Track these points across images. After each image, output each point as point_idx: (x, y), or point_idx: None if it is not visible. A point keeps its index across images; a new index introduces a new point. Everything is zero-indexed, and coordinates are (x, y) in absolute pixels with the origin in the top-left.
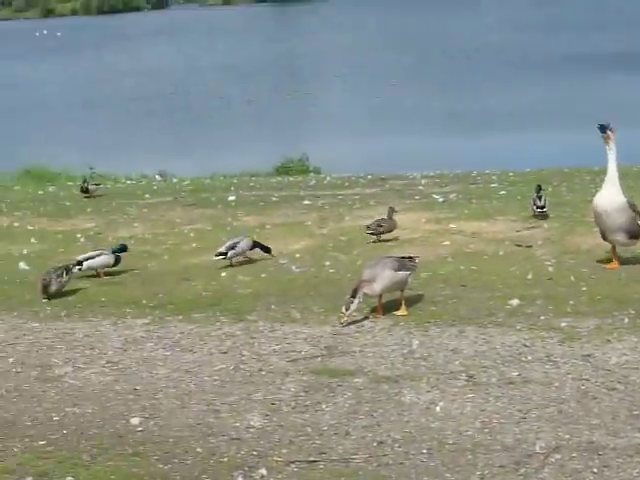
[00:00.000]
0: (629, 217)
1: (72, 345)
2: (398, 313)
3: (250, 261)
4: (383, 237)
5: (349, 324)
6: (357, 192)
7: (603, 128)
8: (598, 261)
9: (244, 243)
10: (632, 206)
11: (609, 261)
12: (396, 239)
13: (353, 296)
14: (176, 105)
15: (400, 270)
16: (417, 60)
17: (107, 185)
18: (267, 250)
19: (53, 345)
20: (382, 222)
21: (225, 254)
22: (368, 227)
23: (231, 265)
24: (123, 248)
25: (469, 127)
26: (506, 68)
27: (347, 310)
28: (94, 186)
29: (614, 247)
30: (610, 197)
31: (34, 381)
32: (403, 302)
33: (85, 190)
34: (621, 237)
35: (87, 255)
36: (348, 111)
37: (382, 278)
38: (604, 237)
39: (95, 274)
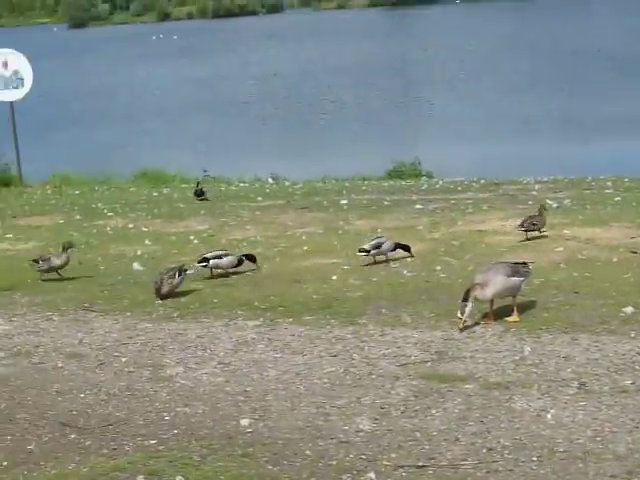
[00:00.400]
0: None
1: (184, 346)
2: (510, 319)
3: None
4: (531, 235)
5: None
6: (470, 197)
7: None
8: None
9: (388, 244)
10: None
11: None
12: (510, 245)
13: (465, 299)
14: (289, 109)
15: (513, 276)
16: (532, 64)
17: (221, 187)
18: (408, 249)
19: (165, 345)
20: (535, 220)
21: (368, 251)
22: (522, 225)
23: (374, 262)
24: (250, 257)
25: (584, 132)
26: (621, 72)
27: (462, 314)
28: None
29: None
30: None
31: (146, 381)
32: (515, 308)
33: (200, 193)
34: None
35: (214, 254)
36: (461, 115)
37: (494, 283)
38: None
39: (210, 275)
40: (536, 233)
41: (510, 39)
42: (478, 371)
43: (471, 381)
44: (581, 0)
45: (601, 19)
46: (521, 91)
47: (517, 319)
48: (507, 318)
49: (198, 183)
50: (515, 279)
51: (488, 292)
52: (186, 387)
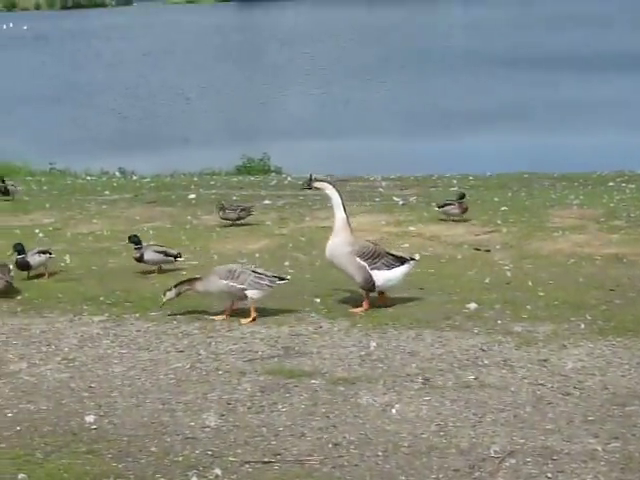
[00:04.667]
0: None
1: (28, 341)
2: (244, 320)
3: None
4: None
5: (306, 325)
6: (317, 193)
7: (308, 184)
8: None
9: None
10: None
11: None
12: None
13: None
14: (138, 101)
15: (226, 280)
16: (379, 60)
17: (67, 181)
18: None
19: (8, 341)
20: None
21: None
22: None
23: None
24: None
25: (430, 129)
26: (471, 68)
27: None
28: (13, 187)
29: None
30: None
31: None
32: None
33: (4, 191)
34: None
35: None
36: (310, 111)
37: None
38: None
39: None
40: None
41: (359, 35)
42: (324, 366)
43: (317, 376)
44: None
45: (449, 15)
46: (369, 87)
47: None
48: (243, 320)
49: (2, 179)
50: (225, 283)
51: (199, 285)
52: (30, 383)
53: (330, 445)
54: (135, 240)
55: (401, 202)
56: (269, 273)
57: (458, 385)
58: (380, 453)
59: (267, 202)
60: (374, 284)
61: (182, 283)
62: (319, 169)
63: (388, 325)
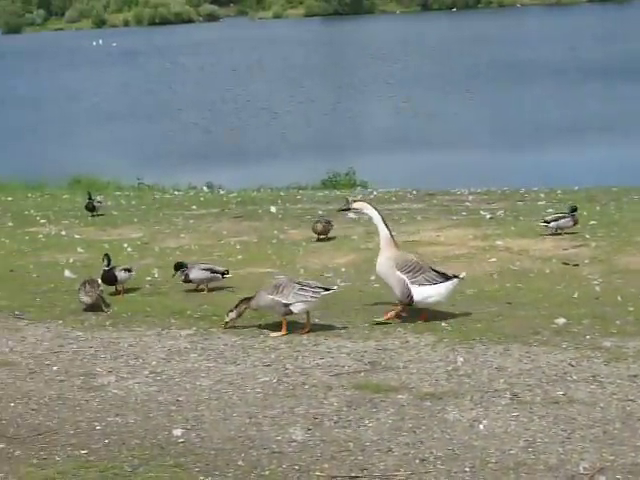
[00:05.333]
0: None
1: (116, 354)
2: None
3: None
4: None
5: (392, 339)
6: (404, 207)
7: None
8: None
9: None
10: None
11: None
12: (443, 255)
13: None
14: (226, 117)
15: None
16: (466, 73)
17: (155, 195)
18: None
19: (97, 354)
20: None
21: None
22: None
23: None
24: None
25: (517, 141)
26: (559, 79)
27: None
28: (99, 203)
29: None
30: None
31: (77, 390)
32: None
33: (91, 208)
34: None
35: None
36: (397, 125)
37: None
38: None
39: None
40: None
41: (445, 47)
42: (411, 381)
43: (404, 391)
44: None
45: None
46: (456, 101)
47: (282, 333)
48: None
49: (90, 196)
50: (271, 298)
51: (253, 302)
52: (118, 396)
53: (417, 460)
54: (179, 265)
55: (488, 216)
56: (314, 284)
57: (546, 401)
58: (467, 469)
59: (353, 216)
60: (412, 298)
61: (241, 302)
62: (405, 183)
63: (475, 340)
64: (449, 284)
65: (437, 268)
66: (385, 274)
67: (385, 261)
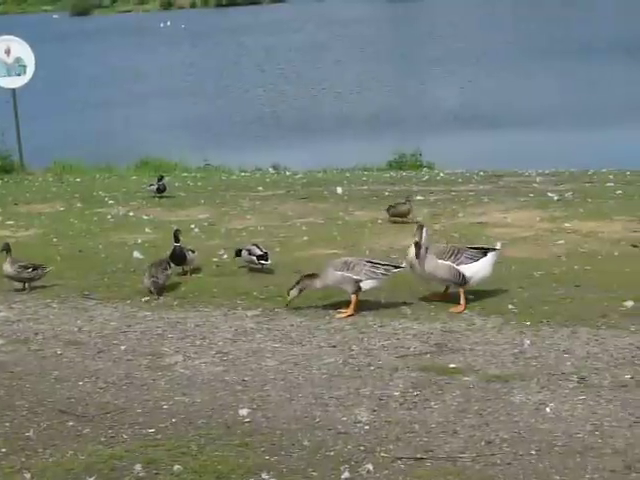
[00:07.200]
0: None
1: (183, 334)
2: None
3: None
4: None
5: (459, 321)
6: (471, 188)
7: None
8: None
9: None
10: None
11: None
12: (510, 237)
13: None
14: (292, 98)
15: (341, 271)
16: (537, 54)
17: (222, 177)
18: None
19: (164, 334)
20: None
21: None
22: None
23: None
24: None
25: (586, 123)
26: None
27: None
28: (151, 186)
29: None
30: None
31: (145, 369)
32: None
33: (163, 188)
34: None
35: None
36: (463, 105)
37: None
38: None
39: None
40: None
41: (515, 25)
42: (477, 364)
43: (470, 374)
44: None
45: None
46: (524, 81)
47: (349, 313)
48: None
49: (161, 177)
50: (340, 274)
51: (318, 281)
52: (185, 376)
53: (482, 443)
54: (239, 252)
55: (556, 198)
56: (384, 262)
57: (614, 384)
58: (533, 452)
59: (419, 198)
60: (465, 278)
61: (302, 279)
62: (472, 164)
63: (542, 322)
64: (490, 256)
65: (473, 246)
66: (434, 268)
67: (428, 261)
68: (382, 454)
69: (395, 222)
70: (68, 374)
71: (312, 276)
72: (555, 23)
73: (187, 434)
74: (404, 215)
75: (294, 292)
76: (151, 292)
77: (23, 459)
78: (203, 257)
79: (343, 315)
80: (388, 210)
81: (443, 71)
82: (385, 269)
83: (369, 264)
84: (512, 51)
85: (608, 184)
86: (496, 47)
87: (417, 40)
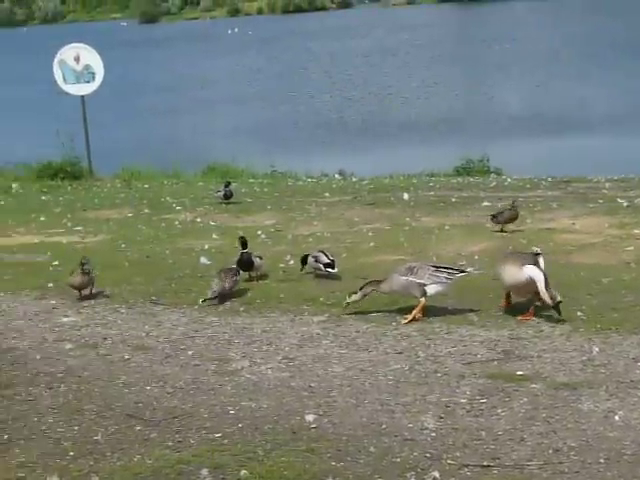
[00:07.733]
0: None
1: (249, 340)
2: (404, 321)
3: None
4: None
5: (526, 328)
6: (539, 194)
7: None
8: None
9: None
10: None
11: None
12: (578, 244)
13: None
14: (356, 102)
15: (406, 276)
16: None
17: (288, 183)
18: None
19: (231, 339)
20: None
21: None
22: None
23: None
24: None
25: None
26: None
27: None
28: (218, 192)
29: None
30: None
31: (212, 374)
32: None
33: (230, 195)
34: None
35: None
36: (531, 110)
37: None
38: None
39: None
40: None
41: (581, 30)
42: (545, 371)
43: (538, 381)
44: None
45: None
46: (592, 86)
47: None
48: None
49: (228, 183)
50: (404, 279)
51: (384, 286)
52: (251, 381)
53: (550, 450)
54: (305, 259)
55: (626, 204)
56: (449, 266)
57: None
58: (602, 460)
59: (486, 204)
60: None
61: (367, 285)
62: (540, 170)
63: (611, 330)
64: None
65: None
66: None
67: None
68: (449, 461)
69: (503, 231)
70: (136, 379)
71: (377, 282)
72: (624, 26)
73: (254, 439)
74: (512, 220)
75: (355, 297)
76: (213, 298)
77: (91, 463)
78: (270, 263)
79: (406, 320)
80: (494, 218)
81: (511, 75)
82: (449, 273)
83: (433, 268)
84: (580, 55)
85: None
86: (564, 51)
87: (484, 44)
